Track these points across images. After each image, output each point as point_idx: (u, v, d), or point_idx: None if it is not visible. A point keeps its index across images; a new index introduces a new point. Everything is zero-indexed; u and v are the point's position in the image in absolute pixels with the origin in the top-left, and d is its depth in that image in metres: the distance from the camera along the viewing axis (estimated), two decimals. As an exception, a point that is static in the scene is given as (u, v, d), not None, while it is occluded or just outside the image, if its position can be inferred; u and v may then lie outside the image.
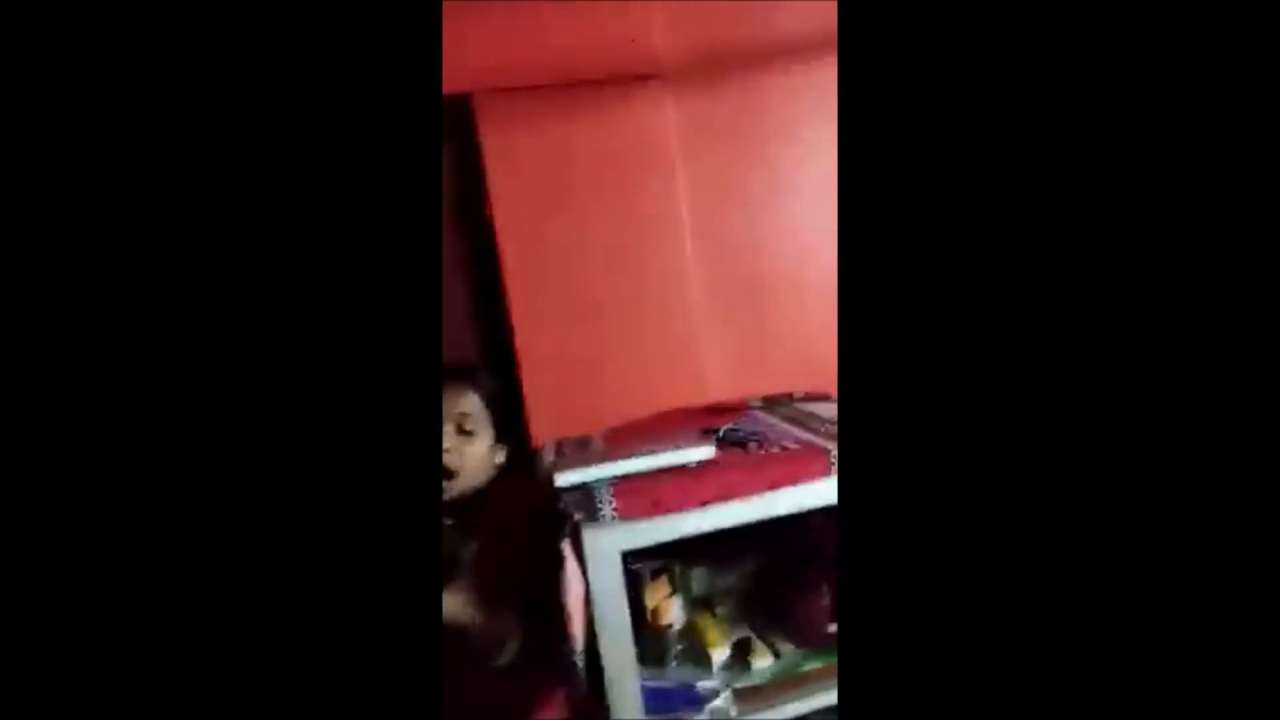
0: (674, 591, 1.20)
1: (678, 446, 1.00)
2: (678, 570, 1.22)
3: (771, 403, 1.39)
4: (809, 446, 1.02)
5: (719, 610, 1.22)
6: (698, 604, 1.24)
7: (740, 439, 1.09)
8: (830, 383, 1.42)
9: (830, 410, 1.22)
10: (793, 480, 0.96)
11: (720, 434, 1.10)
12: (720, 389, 1.46)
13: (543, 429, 1.34)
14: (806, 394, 1.42)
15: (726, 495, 0.94)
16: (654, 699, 1.01)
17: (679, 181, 1.43)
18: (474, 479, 1.16)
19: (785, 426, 1.16)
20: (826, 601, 1.17)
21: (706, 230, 1.46)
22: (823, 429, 1.10)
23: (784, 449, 1.03)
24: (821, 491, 0.97)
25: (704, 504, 0.94)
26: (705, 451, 1.00)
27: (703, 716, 1.01)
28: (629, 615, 0.94)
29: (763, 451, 1.04)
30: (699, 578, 1.29)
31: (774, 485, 0.96)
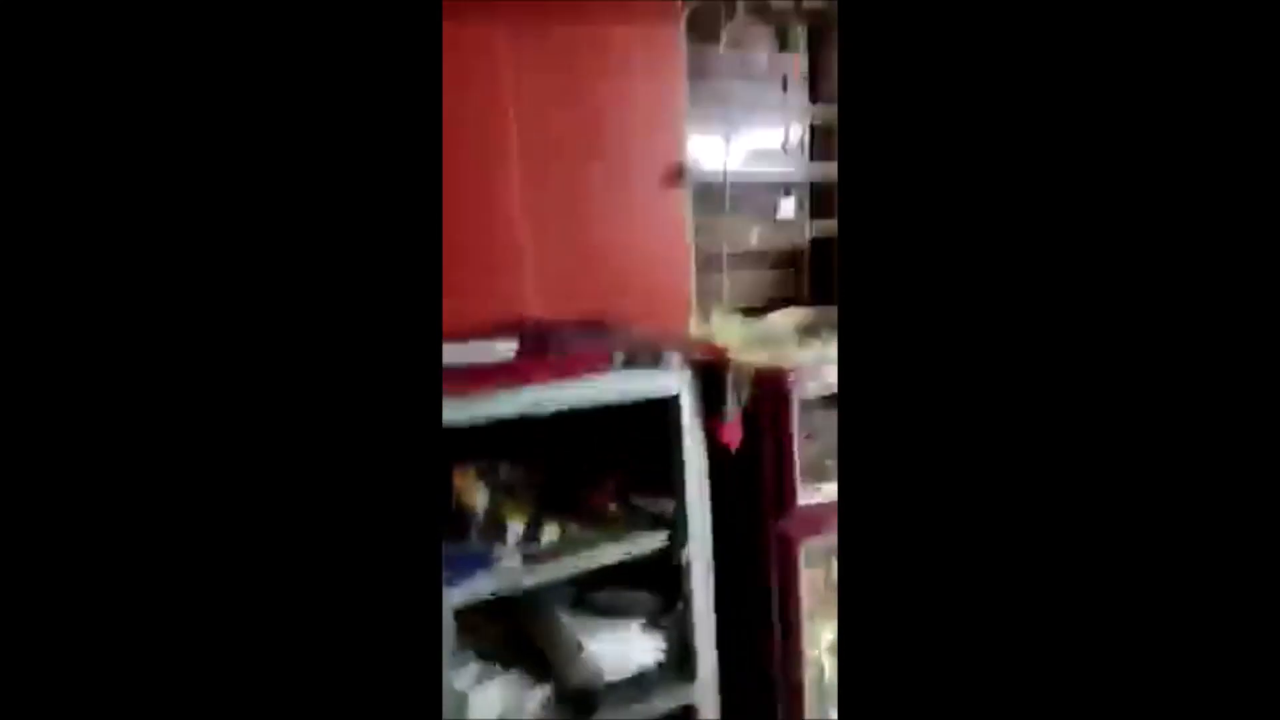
0: (480, 479, 1.35)
1: (484, 341, 1.14)
2: (486, 463, 1.37)
3: (584, 325, 1.56)
4: (597, 351, 1.21)
5: (520, 497, 1.39)
6: (502, 491, 1.40)
7: (542, 344, 1.25)
8: (640, 309, 1.63)
9: (631, 333, 1.42)
10: (577, 374, 1.14)
11: (524, 338, 1.25)
12: (538, 310, 1.61)
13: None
14: (613, 319, 1.61)
15: (520, 382, 1.10)
16: (453, 564, 1.15)
17: (509, 115, 1.54)
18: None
19: (586, 339, 1.34)
20: (609, 487, 1.38)
21: (534, 169, 1.59)
22: (616, 343, 1.29)
23: (576, 354, 1.21)
24: (602, 387, 1.16)
25: (499, 387, 1.08)
26: (508, 348, 1.15)
27: (493, 575, 1.18)
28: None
29: (558, 355, 1.21)
30: (505, 470, 1.44)
31: (561, 376, 1.13)
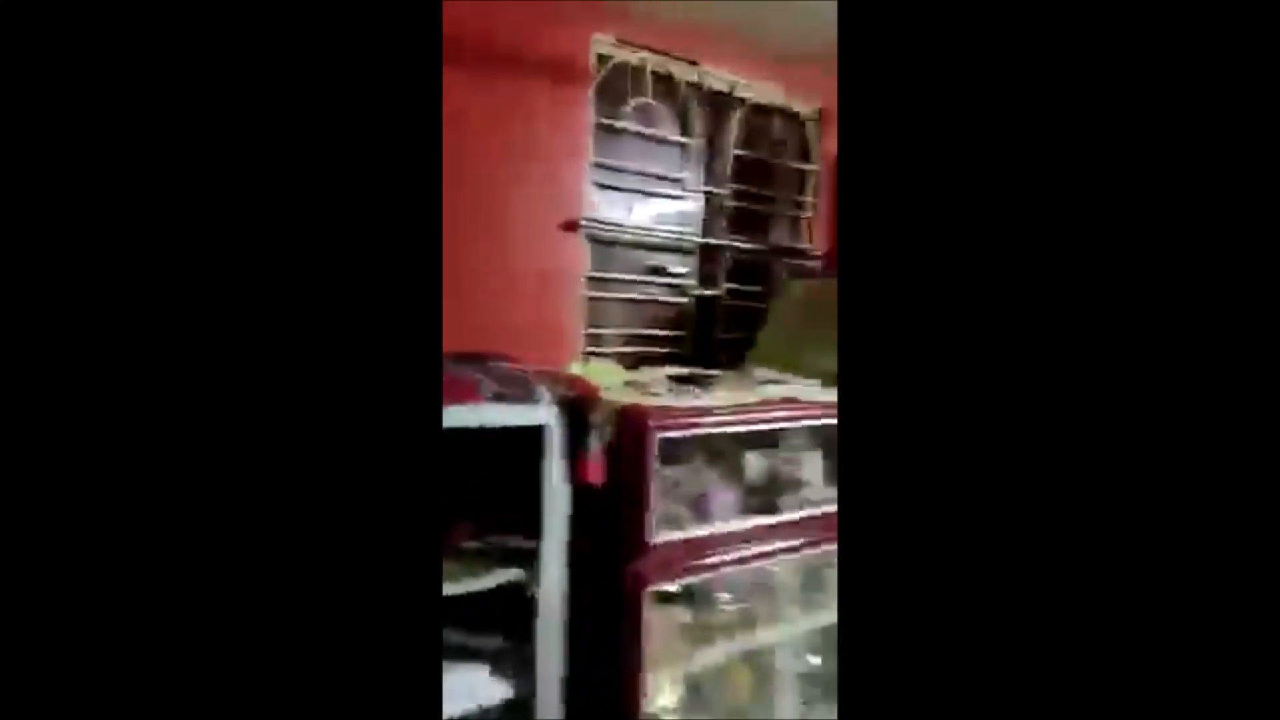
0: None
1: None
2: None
3: (462, 358, 1.56)
4: (464, 380, 1.22)
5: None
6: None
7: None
8: (526, 348, 1.65)
9: (503, 367, 1.44)
10: (445, 400, 1.14)
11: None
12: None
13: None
14: (493, 354, 1.63)
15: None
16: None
17: None
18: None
19: (460, 369, 1.35)
20: (467, 526, 1.37)
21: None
22: (489, 374, 1.31)
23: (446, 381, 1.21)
24: (470, 415, 1.18)
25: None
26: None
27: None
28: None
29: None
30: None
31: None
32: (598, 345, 2.07)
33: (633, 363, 1.99)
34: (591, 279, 2.04)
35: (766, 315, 2.23)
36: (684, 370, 1.81)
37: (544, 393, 1.27)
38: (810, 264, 2.47)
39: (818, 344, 1.88)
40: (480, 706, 1.28)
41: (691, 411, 1.45)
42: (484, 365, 1.43)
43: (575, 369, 1.65)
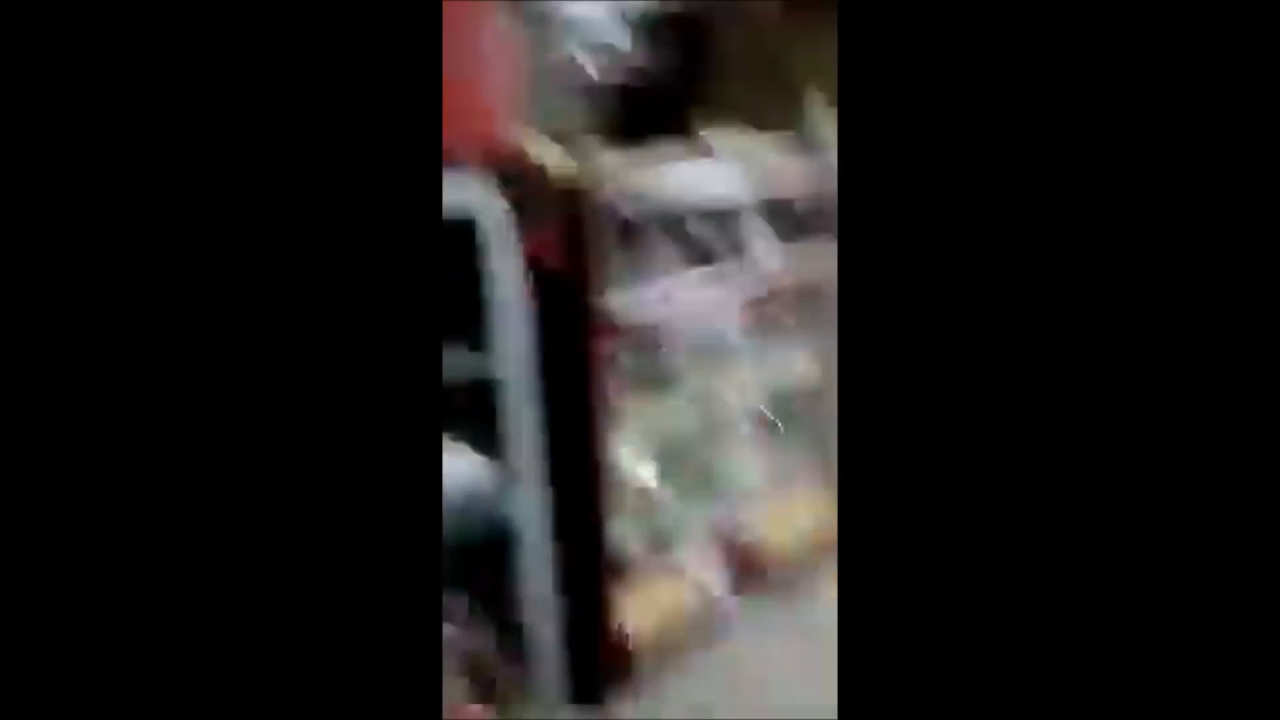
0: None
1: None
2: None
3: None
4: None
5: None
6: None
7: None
8: (460, 128, 1.47)
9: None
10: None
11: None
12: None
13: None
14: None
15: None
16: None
17: None
18: None
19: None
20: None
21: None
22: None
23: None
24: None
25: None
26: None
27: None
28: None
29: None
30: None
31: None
32: (541, 125, 1.88)
33: (578, 138, 1.83)
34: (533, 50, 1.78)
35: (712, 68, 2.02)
36: (630, 144, 1.68)
37: (472, 170, 1.16)
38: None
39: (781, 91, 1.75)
40: (467, 490, 1.34)
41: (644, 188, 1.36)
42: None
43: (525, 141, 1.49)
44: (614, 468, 1.48)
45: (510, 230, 1.21)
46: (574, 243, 1.30)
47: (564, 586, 1.49)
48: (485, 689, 1.57)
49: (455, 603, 1.52)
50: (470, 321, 1.28)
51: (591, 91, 2.00)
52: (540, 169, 1.23)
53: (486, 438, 1.37)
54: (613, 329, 1.37)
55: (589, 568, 1.54)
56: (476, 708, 1.54)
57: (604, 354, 1.38)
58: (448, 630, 1.47)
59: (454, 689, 1.52)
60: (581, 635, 1.56)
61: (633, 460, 1.63)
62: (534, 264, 1.25)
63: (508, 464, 1.35)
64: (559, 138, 1.78)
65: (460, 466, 1.34)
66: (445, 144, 1.22)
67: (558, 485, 1.41)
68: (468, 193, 1.14)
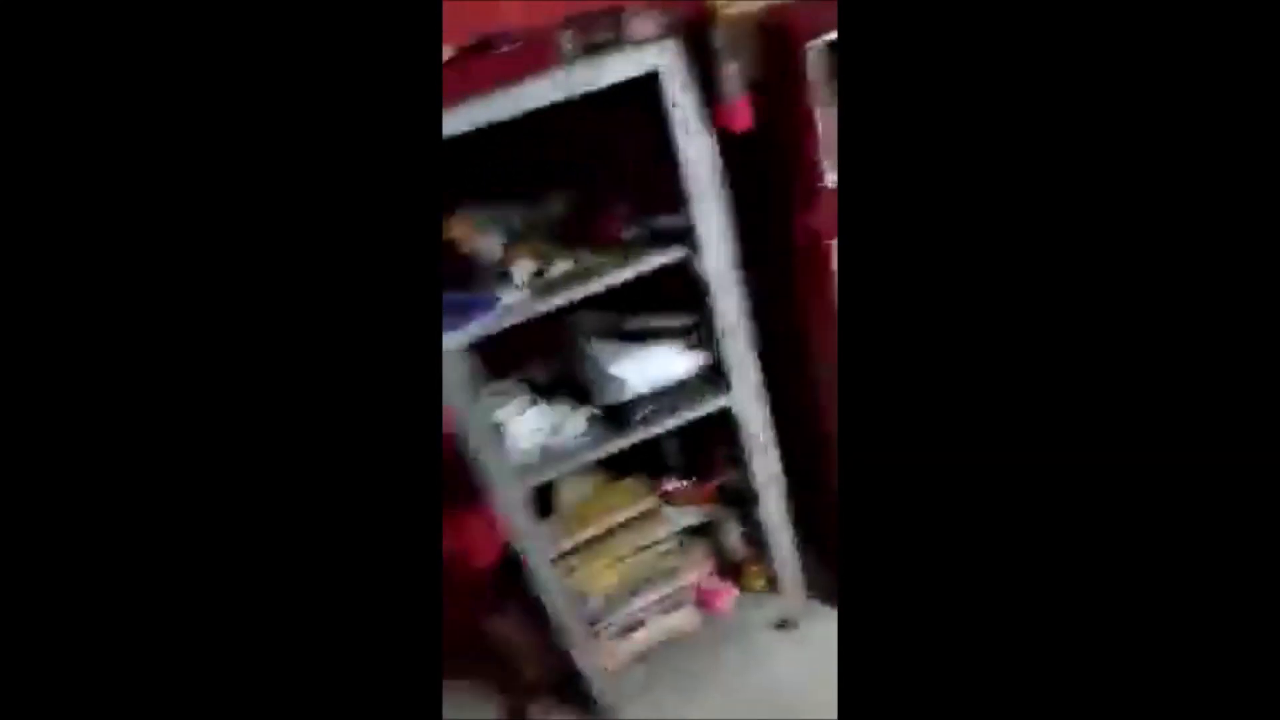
0: (487, 226, 1.26)
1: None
2: (490, 211, 1.27)
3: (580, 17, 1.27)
4: (542, 45, 0.98)
5: (532, 240, 1.30)
6: (515, 236, 1.31)
7: (490, 43, 1.03)
8: None
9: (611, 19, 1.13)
10: (511, 78, 0.94)
11: (467, 45, 1.04)
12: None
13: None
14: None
15: (458, 90, 0.93)
16: (450, 308, 1.12)
17: None
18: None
19: (564, 33, 1.09)
20: (620, 211, 1.24)
21: None
22: (580, 28, 1.03)
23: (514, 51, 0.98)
24: (554, 83, 0.96)
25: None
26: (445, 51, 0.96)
27: (495, 313, 1.14)
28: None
29: (505, 53, 0.99)
30: (517, 215, 1.34)
31: (505, 77, 0.94)
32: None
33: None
34: None
35: None
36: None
37: (644, 28, 0.98)
38: None
39: None
40: (678, 379, 1.30)
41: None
42: (590, 23, 1.14)
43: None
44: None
45: (690, 95, 1.02)
46: (772, 96, 1.06)
47: (787, 468, 1.40)
48: (730, 570, 1.62)
49: (693, 486, 1.56)
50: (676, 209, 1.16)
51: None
52: (713, 9, 1.00)
53: (703, 329, 1.30)
54: (829, 200, 1.12)
55: (808, 450, 1.42)
56: (725, 584, 1.60)
57: (817, 232, 1.15)
58: (690, 512, 1.52)
59: (704, 568, 1.59)
60: (807, 512, 1.48)
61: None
62: (726, 132, 1.06)
63: (721, 356, 1.26)
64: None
65: (667, 362, 1.29)
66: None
67: (769, 369, 1.28)
68: (637, 56, 0.98)
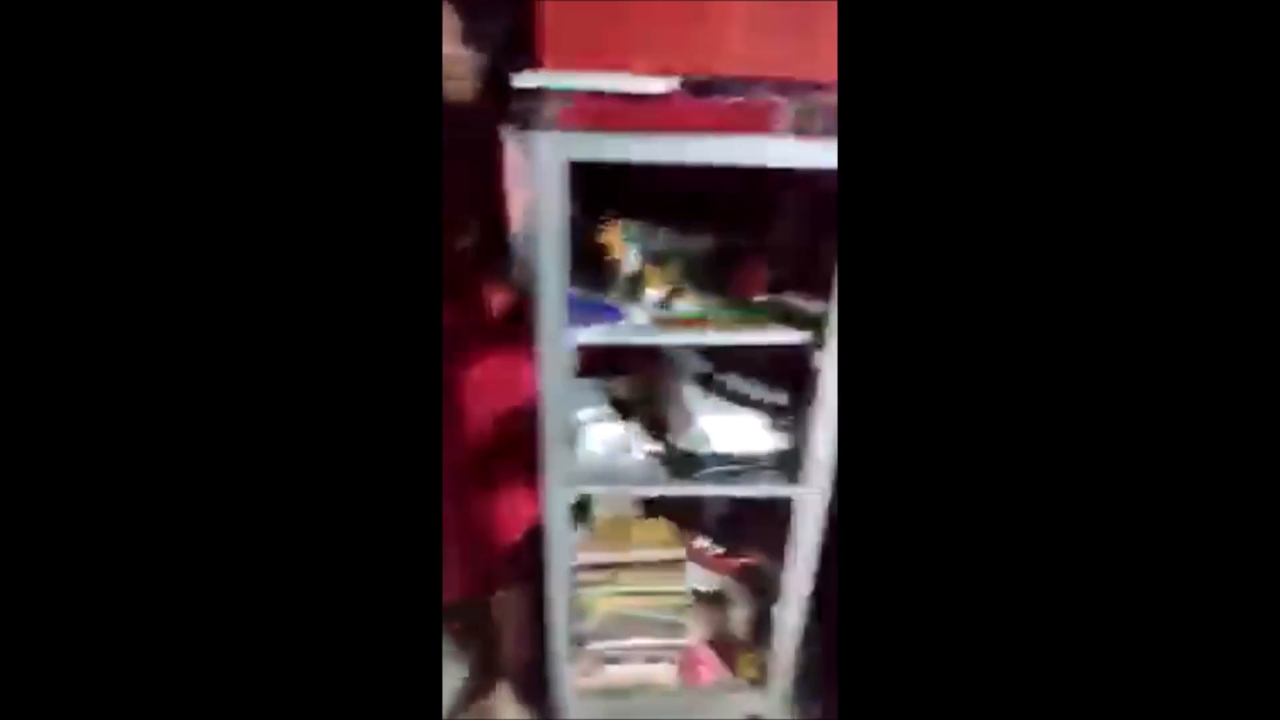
0: (631, 240, 1.32)
1: (636, 75, 1.02)
2: (639, 225, 1.33)
3: (785, 85, 1.33)
4: (756, 105, 1.02)
5: (668, 265, 1.35)
6: (654, 258, 1.36)
7: (711, 88, 1.09)
8: None
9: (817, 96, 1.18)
10: (740, 128, 0.99)
11: (686, 79, 1.10)
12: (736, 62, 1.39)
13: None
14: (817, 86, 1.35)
15: (672, 125, 0.98)
16: (579, 308, 1.18)
17: None
18: (462, 92, 1.22)
19: (772, 96, 1.14)
20: (761, 274, 1.27)
21: None
22: (795, 98, 1.08)
23: (740, 103, 1.03)
24: (773, 151, 1.00)
25: (647, 128, 0.98)
26: (663, 84, 1.02)
27: (619, 328, 1.19)
28: (568, 225, 1.06)
29: (727, 101, 1.04)
30: (661, 237, 1.39)
31: (721, 128, 0.99)
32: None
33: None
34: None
35: None
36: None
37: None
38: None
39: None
40: (755, 452, 1.31)
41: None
42: (802, 93, 1.19)
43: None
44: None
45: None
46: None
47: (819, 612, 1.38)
48: (724, 647, 1.60)
49: (722, 555, 1.55)
50: (818, 299, 1.18)
51: None
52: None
53: (794, 414, 1.30)
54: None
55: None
56: (714, 658, 1.58)
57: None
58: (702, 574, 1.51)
59: (701, 633, 1.58)
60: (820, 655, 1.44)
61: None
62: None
63: (805, 447, 1.26)
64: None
65: (752, 432, 1.30)
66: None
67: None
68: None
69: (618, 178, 1.10)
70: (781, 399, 1.32)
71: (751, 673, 1.55)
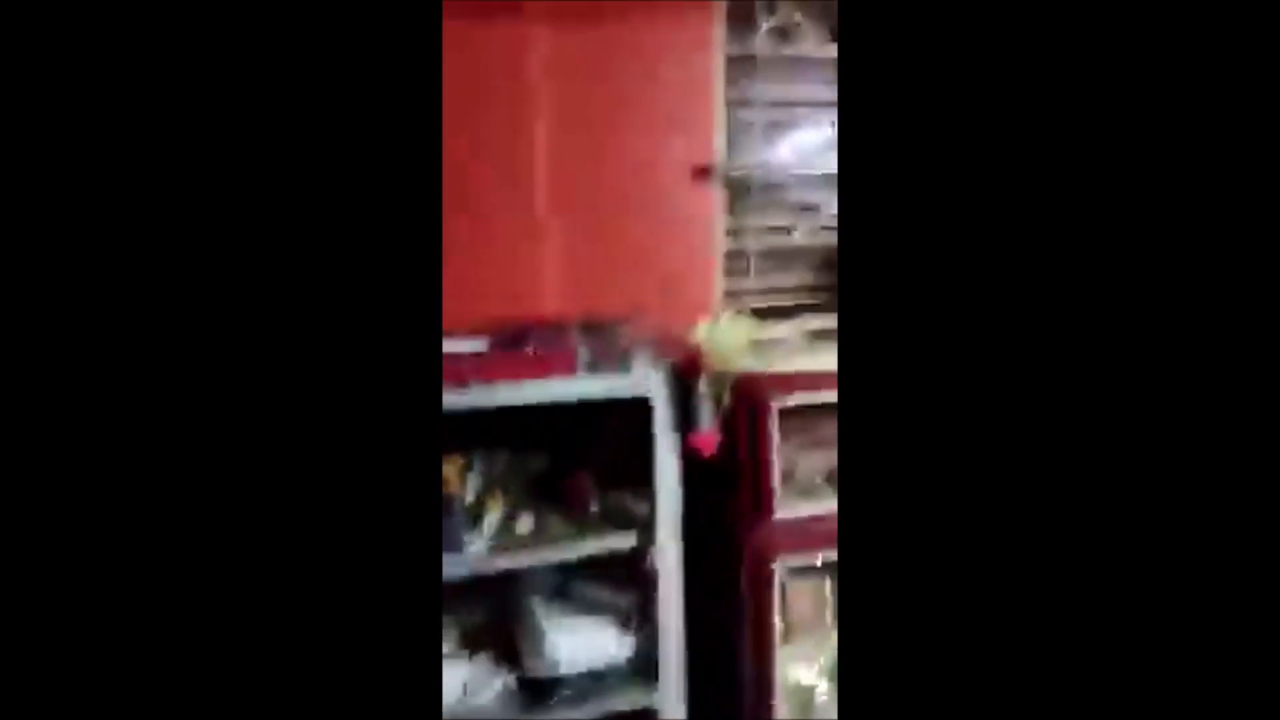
0: (469, 470, 1.41)
1: (454, 337, 1.19)
2: (477, 454, 1.43)
3: (590, 326, 1.57)
4: (563, 353, 1.23)
5: (509, 489, 1.44)
6: (493, 483, 1.45)
7: (519, 341, 1.28)
8: (662, 305, 1.62)
9: (618, 333, 1.42)
10: (535, 374, 1.16)
11: (500, 336, 1.29)
12: (553, 306, 1.64)
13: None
14: (622, 318, 1.60)
15: (485, 376, 1.14)
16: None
17: (538, 108, 1.58)
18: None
19: (556, 339, 1.35)
20: (588, 482, 1.40)
21: (559, 156, 1.63)
22: (597, 343, 1.30)
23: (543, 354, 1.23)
24: (567, 388, 1.18)
25: (462, 383, 1.13)
26: (476, 345, 1.19)
27: (463, 559, 1.23)
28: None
29: (532, 353, 1.23)
30: (499, 461, 1.50)
31: (528, 374, 1.16)
32: (738, 298, 1.96)
33: (781, 313, 1.85)
34: (734, 225, 1.91)
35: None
36: (828, 323, 1.63)
37: (643, 363, 1.23)
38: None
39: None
40: (607, 664, 1.33)
41: (820, 377, 1.30)
42: (601, 332, 1.42)
43: (703, 329, 1.57)
44: (765, 687, 1.33)
45: (669, 418, 1.24)
46: (739, 437, 1.28)
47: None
48: None
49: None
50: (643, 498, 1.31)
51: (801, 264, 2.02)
52: (700, 361, 1.26)
53: (640, 616, 1.36)
54: (779, 529, 1.28)
55: None
56: None
57: (764, 556, 1.29)
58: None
59: None
60: None
61: (804, 673, 1.45)
62: (694, 455, 1.25)
63: (655, 649, 1.31)
64: (762, 314, 1.82)
65: (605, 642, 1.34)
66: (631, 336, 1.35)
67: (698, 673, 1.31)
68: (636, 381, 1.21)
69: (458, 417, 1.21)
70: (627, 599, 1.38)
71: None
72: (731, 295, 1.93)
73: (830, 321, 1.64)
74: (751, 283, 1.97)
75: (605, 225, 1.74)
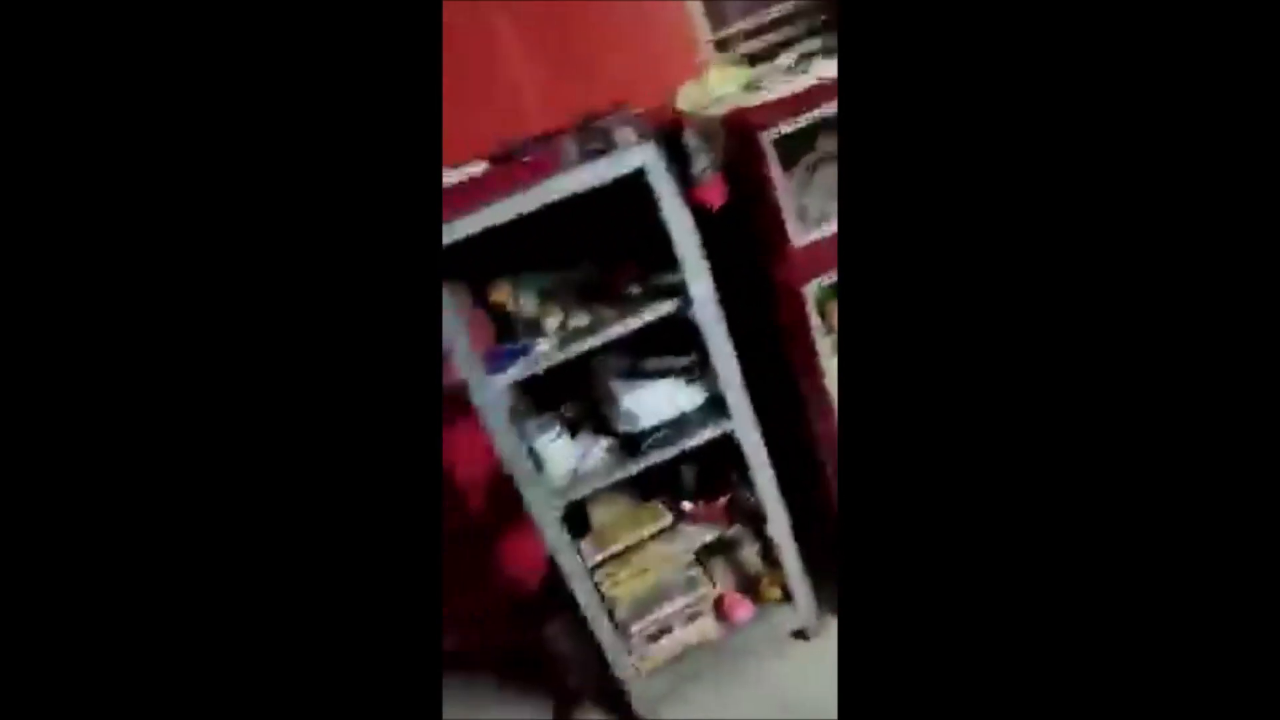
0: (521, 289, 1.57)
1: (454, 166, 1.28)
2: (523, 277, 1.58)
3: (582, 127, 1.59)
4: (553, 153, 1.28)
5: (560, 299, 1.59)
6: (546, 297, 1.61)
7: (513, 155, 1.35)
8: (647, 83, 1.60)
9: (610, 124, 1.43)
10: (530, 180, 1.24)
11: (495, 154, 1.36)
12: (539, 121, 1.66)
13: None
14: (613, 106, 1.61)
15: (485, 197, 1.23)
16: (497, 356, 1.42)
17: None
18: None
19: (563, 139, 1.39)
20: (628, 271, 1.52)
21: None
22: (582, 135, 1.34)
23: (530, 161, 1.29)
24: (562, 184, 1.25)
25: (463, 209, 1.23)
26: (475, 169, 1.28)
27: (533, 359, 1.43)
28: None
29: (525, 161, 1.30)
30: (548, 279, 1.64)
31: (515, 186, 1.24)
32: (725, 46, 1.86)
33: (771, 53, 1.76)
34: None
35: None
36: (815, 44, 1.55)
37: (628, 137, 1.27)
38: None
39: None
40: (682, 411, 1.53)
41: (809, 94, 1.28)
42: (593, 129, 1.45)
43: (688, 89, 1.54)
44: (817, 397, 1.48)
45: (670, 183, 1.30)
46: (741, 176, 1.32)
47: (790, 488, 1.59)
48: (748, 584, 1.79)
49: (706, 506, 1.75)
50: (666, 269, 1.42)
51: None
52: (681, 117, 1.28)
53: (701, 368, 1.53)
54: (798, 255, 1.35)
55: (807, 470, 1.60)
56: (743, 598, 1.77)
57: (791, 284, 1.39)
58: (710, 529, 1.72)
59: (726, 582, 1.77)
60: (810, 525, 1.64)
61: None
62: (702, 208, 1.32)
63: (718, 389, 1.49)
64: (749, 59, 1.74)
65: (674, 396, 1.53)
66: (616, 116, 1.37)
67: (761, 400, 1.49)
68: (626, 158, 1.27)
69: (495, 246, 1.33)
70: (685, 359, 1.55)
71: (775, 594, 1.74)
72: (720, 45, 1.84)
73: (819, 42, 1.55)
74: (739, 26, 1.86)
75: (577, 17, 1.68)
